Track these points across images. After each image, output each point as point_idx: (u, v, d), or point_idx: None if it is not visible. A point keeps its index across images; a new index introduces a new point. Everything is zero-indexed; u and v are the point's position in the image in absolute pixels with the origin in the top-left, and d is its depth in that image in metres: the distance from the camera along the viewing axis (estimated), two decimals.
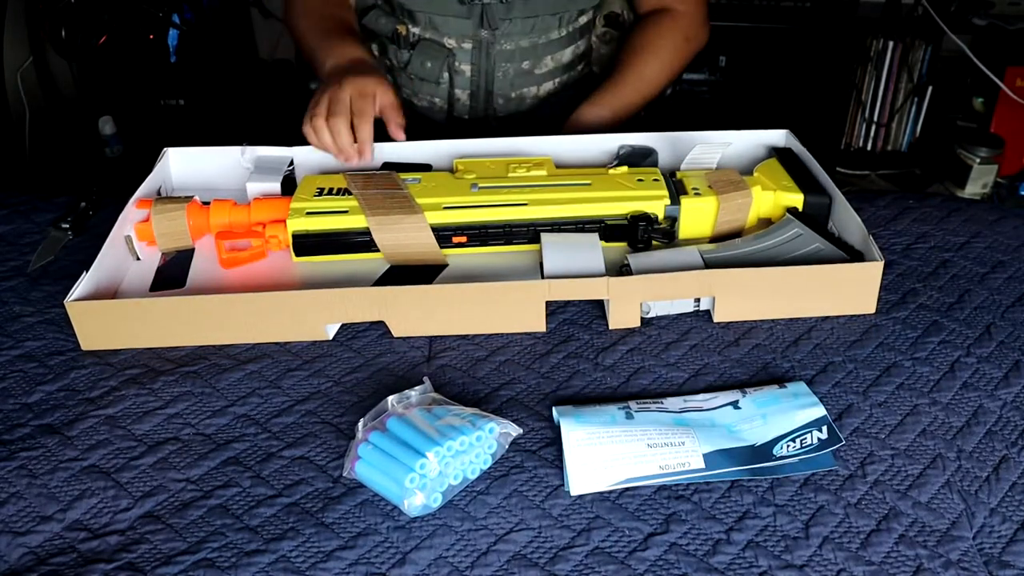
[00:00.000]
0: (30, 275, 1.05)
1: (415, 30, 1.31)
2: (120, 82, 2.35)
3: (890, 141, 2.59)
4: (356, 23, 1.33)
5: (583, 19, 1.35)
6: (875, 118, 2.55)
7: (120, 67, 2.31)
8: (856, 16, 2.46)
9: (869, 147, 2.60)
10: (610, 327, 0.95)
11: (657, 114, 1.55)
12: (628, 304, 0.94)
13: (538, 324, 0.95)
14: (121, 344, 0.93)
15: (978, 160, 2.34)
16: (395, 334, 0.94)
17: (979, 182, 2.37)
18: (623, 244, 1.03)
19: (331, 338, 0.94)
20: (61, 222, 1.12)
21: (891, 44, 2.45)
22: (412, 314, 0.93)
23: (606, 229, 1.02)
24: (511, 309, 0.94)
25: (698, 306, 0.96)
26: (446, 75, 1.33)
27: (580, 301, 0.99)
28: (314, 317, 0.93)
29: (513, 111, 1.37)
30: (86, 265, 0.94)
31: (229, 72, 2.55)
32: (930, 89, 2.50)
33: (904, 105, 2.52)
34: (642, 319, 0.95)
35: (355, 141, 1.08)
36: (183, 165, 1.16)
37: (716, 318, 0.96)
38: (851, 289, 0.96)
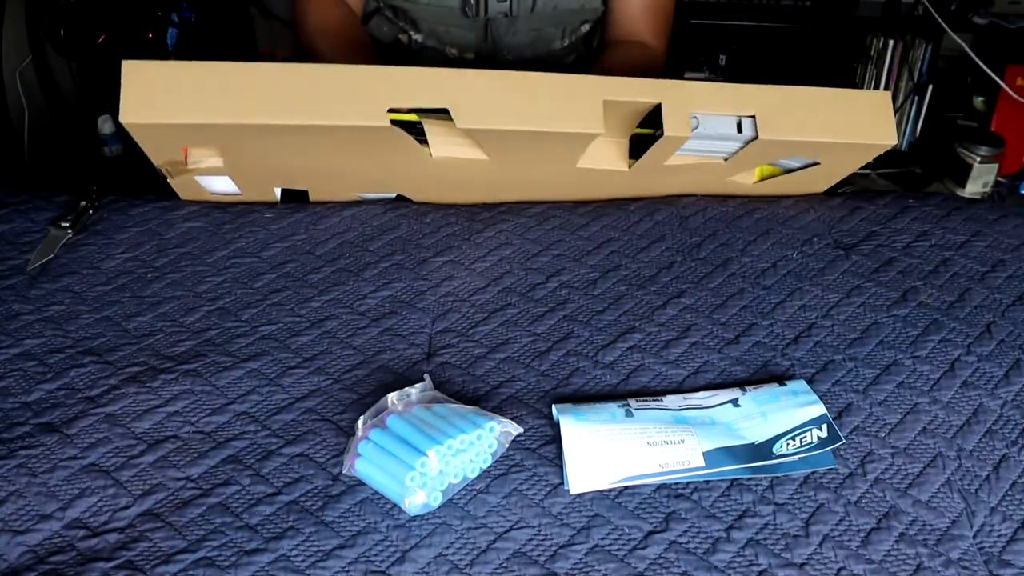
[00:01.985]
0: (29, 273, 1.05)
1: (417, 38, 1.31)
2: (119, 81, 2.35)
3: None
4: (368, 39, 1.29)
5: (585, 27, 1.34)
6: None
7: (119, 66, 2.31)
8: (856, 15, 2.46)
9: None
10: (665, 133, 0.96)
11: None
12: (680, 112, 0.96)
13: (595, 124, 0.95)
14: (164, 117, 0.87)
15: (978, 159, 2.33)
16: (458, 125, 0.93)
17: (979, 181, 2.37)
18: None
19: (387, 125, 0.91)
20: (61, 221, 1.12)
21: (891, 43, 2.44)
22: (475, 100, 0.92)
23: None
24: (570, 104, 0.94)
25: (740, 130, 0.99)
26: None
27: (580, 298, 0.99)
28: (377, 98, 0.90)
29: None
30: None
31: None
32: (930, 88, 2.49)
33: (904, 104, 2.52)
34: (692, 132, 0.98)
35: None
36: None
37: (761, 135, 0.99)
38: (870, 116, 1.02)
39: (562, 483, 0.77)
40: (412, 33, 1.30)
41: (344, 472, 0.77)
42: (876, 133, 1.03)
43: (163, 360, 0.91)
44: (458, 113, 0.92)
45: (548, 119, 0.94)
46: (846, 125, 1.03)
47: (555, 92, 0.94)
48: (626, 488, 0.76)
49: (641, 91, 0.97)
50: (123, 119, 0.87)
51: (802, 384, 0.86)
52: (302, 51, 1.56)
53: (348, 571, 0.70)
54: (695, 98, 0.97)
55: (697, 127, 0.98)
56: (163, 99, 0.87)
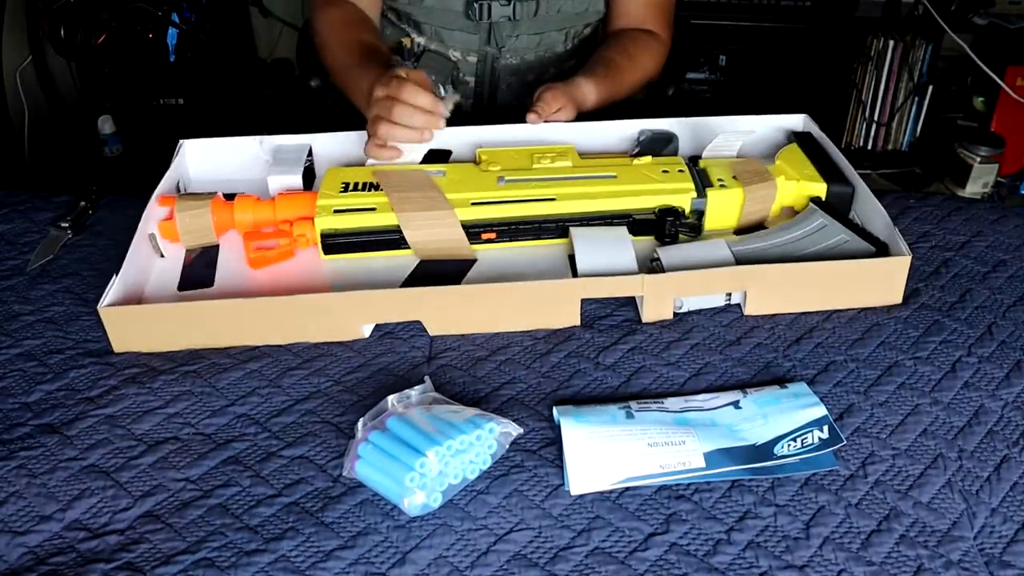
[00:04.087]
0: (29, 274, 1.05)
1: (420, 40, 1.31)
2: (119, 81, 2.35)
3: (890, 140, 2.59)
4: (382, 46, 1.26)
5: (588, 31, 1.35)
6: (875, 117, 2.54)
7: (119, 66, 2.31)
8: (856, 15, 2.46)
9: (869, 146, 2.60)
10: (643, 320, 0.95)
11: (659, 113, 1.54)
12: (662, 300, 0.94)
13: (573, 319, 0.95)
14: (154, 347, 0.92)
15: (979, 159, 2.33)
16: (431, 333, 0.94)
17: (980, 181, 2.37)
18: (651, 237, 1.04)
19: (367, 336, 0.94)
20: (60, 221, 1.12)
21: (891, 43, 2.44)
22: (448, 313, 0.93)
23: (634, 224, 1.03)
24: (547, 307, 0.94)
25: (729, 300, 0.97)
26: (449, 87, 1.33)
27: (583, 300, 0.98)
28: (350, 318, 0.93)
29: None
30: (116, 267, 0.93)
31: (228, 71, 2.55)
32: (930, 88, 2.50)
33: (904, 104, 2.52)
34: (675, 313, 0.96)
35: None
36: (200, 158, 1.16)
37: (747, 311, 0.96)
38: (879, 282, 0.97)
39: (563, 484, 0.77)
40: (415, 36, 1.30)
41: (344, 475, 0.77)
42: (879, 296, 0.97)
43: (163, 361, 0.91)
44: (431, 325, 0.94)
45: (525, 322, 0.95)
46: (849, 291, 0.96)
47: (531, 296, 0.93)
48: (627, 489, 0.76)
49: (622, 286, 0.94)
50: (116, 349, 0.93)
51: (803, 386, 0.86)
52: (303, 52, 1.56)
53: (348, 572, 0.70)
54: (682, 286, 0.94)
55: (681, 307, 0.96)
56: (147, 334, 0.92)
